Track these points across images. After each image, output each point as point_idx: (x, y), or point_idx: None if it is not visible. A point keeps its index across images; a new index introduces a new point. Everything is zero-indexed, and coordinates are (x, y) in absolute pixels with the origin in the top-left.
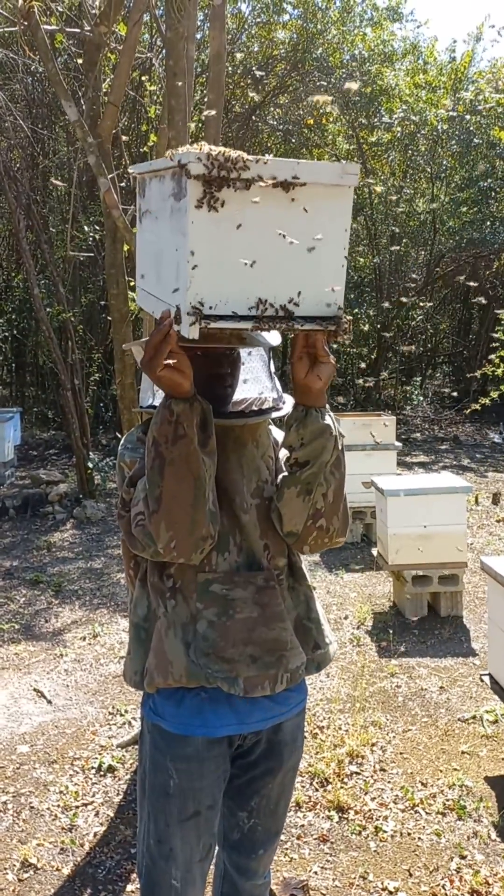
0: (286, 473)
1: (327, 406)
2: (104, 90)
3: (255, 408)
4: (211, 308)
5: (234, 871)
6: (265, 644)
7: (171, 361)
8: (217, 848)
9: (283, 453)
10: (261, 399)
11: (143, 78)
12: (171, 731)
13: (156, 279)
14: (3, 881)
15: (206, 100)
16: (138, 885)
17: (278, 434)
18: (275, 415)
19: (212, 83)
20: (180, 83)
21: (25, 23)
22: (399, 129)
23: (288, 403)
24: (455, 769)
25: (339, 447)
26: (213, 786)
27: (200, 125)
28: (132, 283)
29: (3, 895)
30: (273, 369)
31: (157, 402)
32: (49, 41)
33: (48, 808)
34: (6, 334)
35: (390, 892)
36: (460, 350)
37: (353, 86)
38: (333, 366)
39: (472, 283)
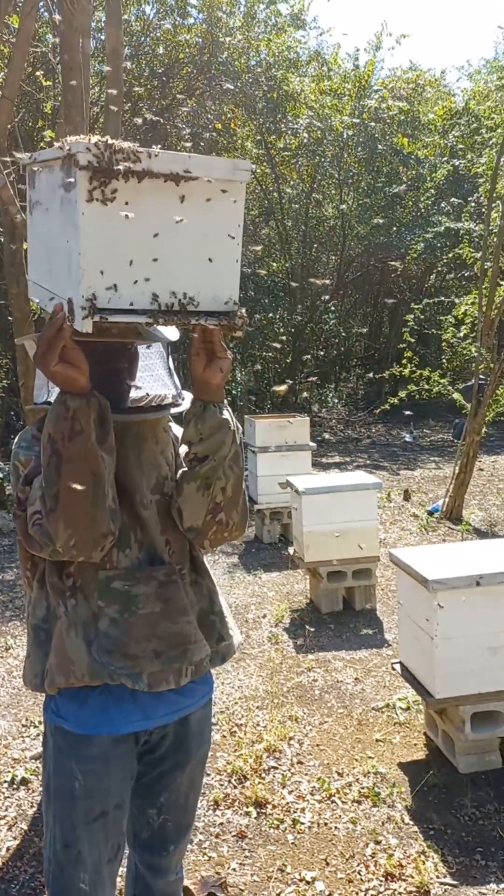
0: (185, 469)
1: (225, 401)
2: None
3: (154, 404)
4: (106, 302)
5: (147, 870)
6: (169, 638)
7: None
8: (127, 850)
9: (183, 449)
10: (160, 395)
11: (39, 73)
12: (74, 732)
13: (48, 272)
14: None
15: (106, 94)
16: None
17: (178, 430)
18: (174, 411)
19: (111, 79)
20: (75, 79)
21: None
22: (306, 134)
23: (187, 399)
24: (370, 757)
25: (238, 442)
26: (119, 785)
27: (100, 121)
28: None
29: None
30: (172, 365)
31: (52, 399)
32: None
33: None
34: None
35: (308, 882)
36: (372, 353)
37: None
38: (230, 360)
39: (388, 300)
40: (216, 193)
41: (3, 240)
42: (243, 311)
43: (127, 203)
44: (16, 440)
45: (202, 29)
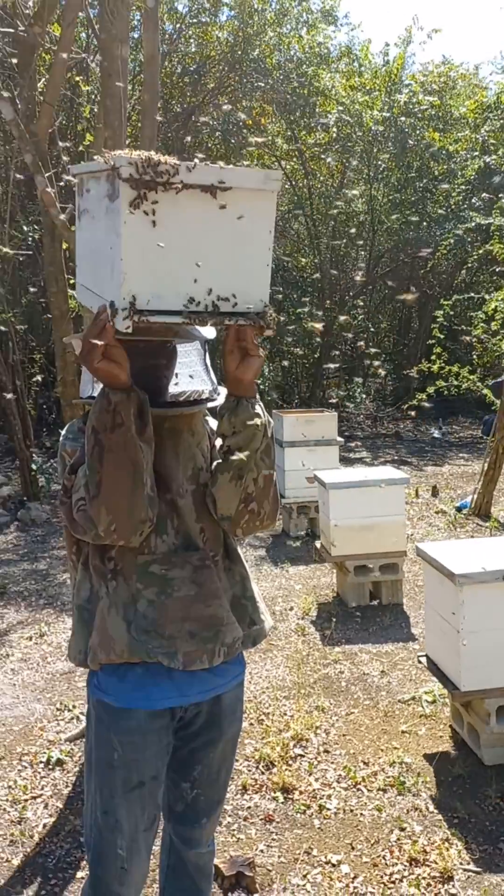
0: (219, 460)
1: (257, 396)
2: (39, 90)
3: (191, 398)
4: (145, 303)
5: (180, 841)
6: (202, 620)
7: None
8: (162, 822)
9: (218, 442)
10: (197, 390)
11: (78, 78)
12: (114, 705)
13: (93, 275)
14: None
15: (142, 98)
16: (88, 872)
17: (214, 424)
18: (209, 405)
19: (146, 85)
20: (115, 84)
21: None
22: (335, 129)
23: (222, 395)
24: (395, 748)
25: (269, 435)
26: (155, 757)
27: (137, 125)
28: (72, 281)
29: None
30: (208, 362)
31: (96, 393)
32: None
33: None
34: None
35: (333, 865)
36: (401, 348)
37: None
38: (262, 359)
39: (407, 297)
40: (249, 201)
41: (44, 241)
42: (272, 311)
43: (166, 212)
44: (63, 432)
45: (234, 26)
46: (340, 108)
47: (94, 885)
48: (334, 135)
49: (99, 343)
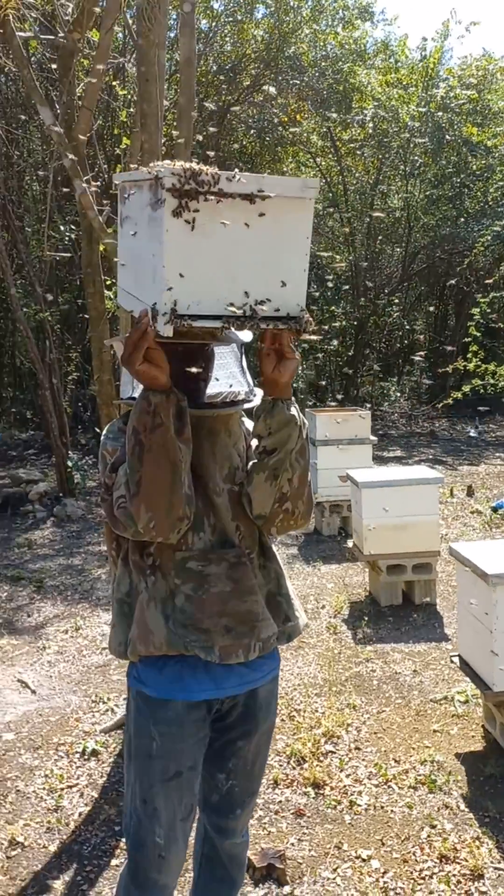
0: (255, 460)
1: (293, 398)
2: (78, 94)
3: (228, 400)
4: (185, 308)
5: (214, 832)
6: (238, 615)
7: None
8: (197, 812)
9: (254, 442)
10: (233, 392)
11: (115, 83)
12: (153, 696)
13: (135, 280)
14: None
15: (177, 102)
16: (123, 860)
17: (250, 424)
18: (246, 406)
19: (182, 87)
20: (152, 88)
21: (1, 31)
22: (372, 124)
23: (258, 396)
24: (427, 746)
25: (304, 436)
26: (193, 748)
27: (173, 124)
28: (108, 282)
29: None
30: (245, 364)
31: (136, 394)
32: (23, 47)
33: (34, 791)
34: None
35: (363, 860)
36: (437, 346)
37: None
38: (298, 361)
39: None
40: (287, 209)
41: (81, 242)
42: (308, 316)
43: (206, 220)
44: (104, 432)
45: (269, 23)
46: (376, 103)
47: (132, 872)
48: (370, 131)
49: (140, 346)
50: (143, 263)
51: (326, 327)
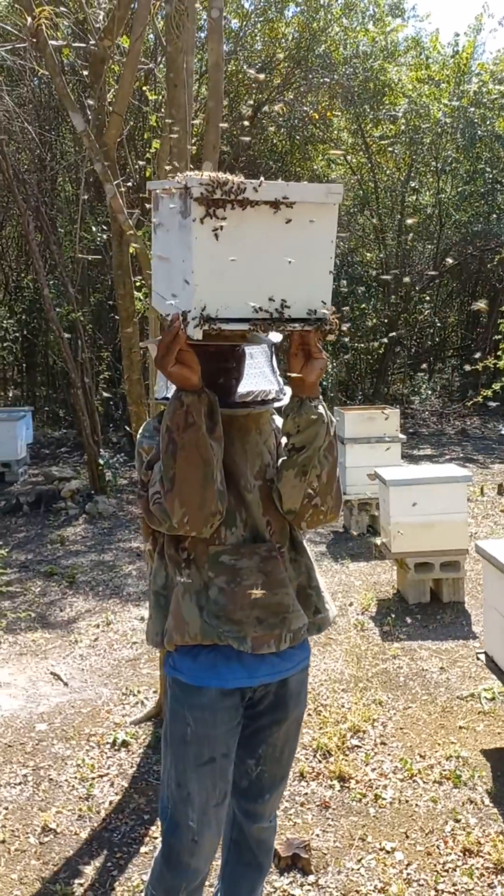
0: (284, 457)
1: (320, 397)
2: (109, 100)
3: (259, 399)
4: (214, 312)
5: (243, 816)
6: (269, 607)
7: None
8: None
9: (283, 440)
10: (264, 391)
11: (145, 88)
12: (187, 683)
13: (167, 285)
14: (26, 844)
15: (206, 105)
16: (152, 848)
17: (281, 422)
18: (276, 405)
19: (211, 92)
20: (180, 94)
21: (35, 39)
22: (404, 121)
23: (288, 395)
24: (452, 742)
25: (331, 433)
26: (226, 735)
27: (202, 131)
28: (138, 283)
29: (26, 856)
30: (275, 364)
31: (170, 394)
32: (56, 55)
33: (66, 780)
34: (17, 335)
35: (388, 852)
36: (468, 343)
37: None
38: (325, 360)
39: (480, 307)
40: (311, 214)
41: (112, 244)
42: (334, 317)
43: (233, 227)
44: (140, 430)
45: (300, 21)
46: (407, 100)
47: (166, 855)
48: (402, 127)
49: (172, 349)
50: (174, 268)
51: (348, 326)
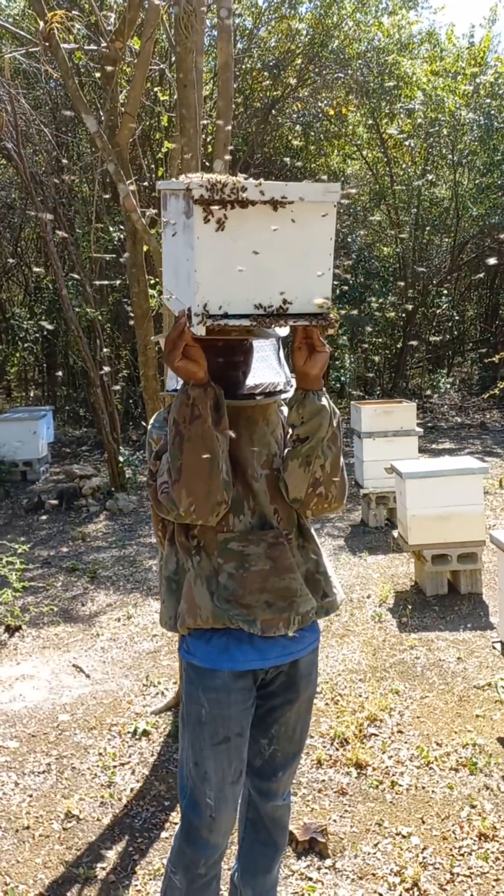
0: (289, 448)
1: (323, 389)
2: (121, 101)
3: (266, 391)
4: (217, 309)
5: (257, 794)
6: (278, 592)
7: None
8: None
9: (289, 430)
10: (272, 383)
11: (156, 89)
12: (201, 666)
13: (175, 283)
14: (49, 830)
15: (216, 105)
16: (172, 833)
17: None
18: (282, 397)
19: (221, 91)
20: (190, 94)
21: (47, 43)
22: (420, 114)
23: (294, 387)
24: (469, 731)
25: (335, 424)
26: (240, 715)
27: (212, 131)
28: (152, 281)
29: (49, 841)
30: (283, 357)
31: (180, 386)
32: (68, 58)
33: (88, 768)
34: (37, 335)
35: (404, 837)
36: (488, 336)
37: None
38: (328, 354)
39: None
40: (310, 213)
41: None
42: (334, 312)
43: (235, 226)
44: (151, 421)
45: (313, 17)
46: (422, 93)
47: (187, 831)
48: (418, 121)
49: (178, 344)
50: (180, 267)
51: (369, 330)
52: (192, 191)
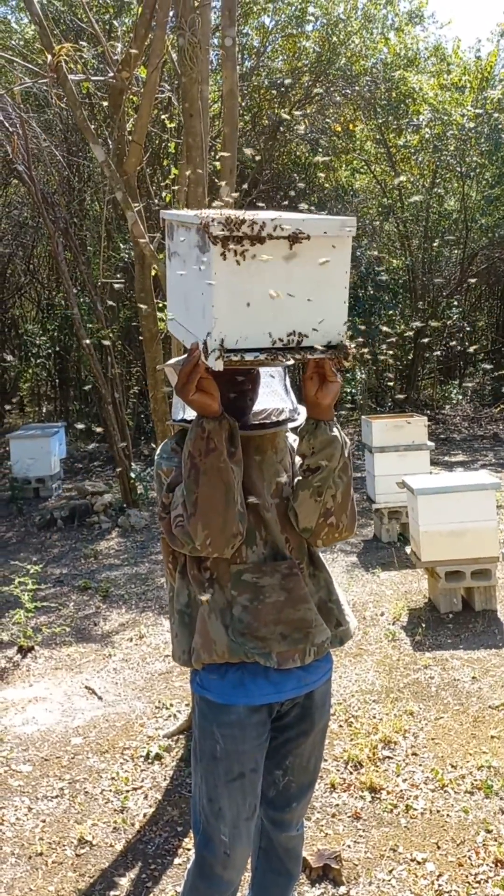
0: (300, 478)
1: (335, 419)
2: (128, 130)
3: (273, 418)
4: (233, 343)
5: (270, 825)
6: (293, 623)
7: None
8: None
9: (298, 460)
10: (278, 409)
11: (163, 116)
12: (216, 701)
13: (185, 313)
14: (62, 856)
15: (222, 132)
16: (186, 860)
17: (294, 440)
18: (290, 426)
19: (226, 118)
20: (196, 123)
21: (55, 75)
22: (427, 129)
23: (302, 414)
24: (484, 752)
25: (346, 454)
26: (255, 750)
27: (217, 159)
28: (160, 305)
29: (62, 868)
30: (288, 384)
31: (187, 416)
32: (76, 88)
33: (101, 793)
34: (49, 351)
35: (419, 863)
36: (499, 347)
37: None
38: (340, 384)
39: None
40: (326, 247)
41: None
42: (350, 344)
43: (251, 261)
44: (157, 451)
45: (320, 35)
46: (429, 108)
47: (200, 867)
48: (426, 135)
49: (193, 378)
50: (192, 299)
51: (385, 348)
52: (211, 227)
